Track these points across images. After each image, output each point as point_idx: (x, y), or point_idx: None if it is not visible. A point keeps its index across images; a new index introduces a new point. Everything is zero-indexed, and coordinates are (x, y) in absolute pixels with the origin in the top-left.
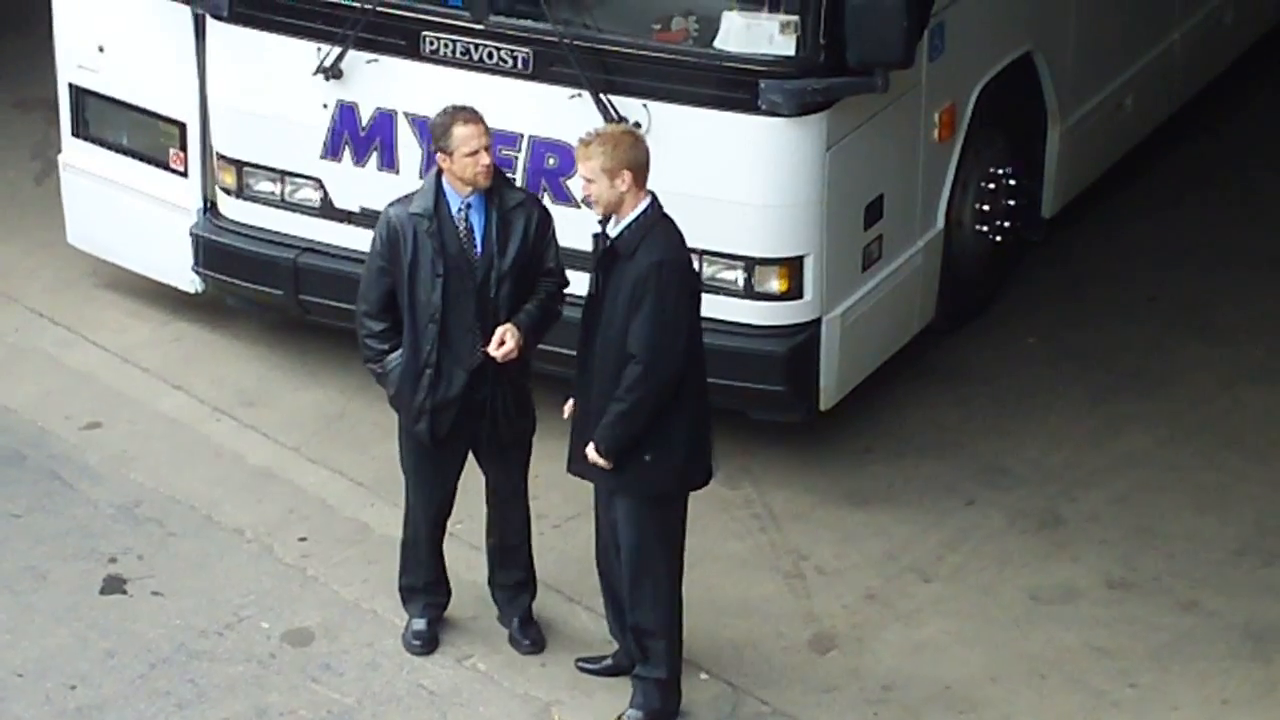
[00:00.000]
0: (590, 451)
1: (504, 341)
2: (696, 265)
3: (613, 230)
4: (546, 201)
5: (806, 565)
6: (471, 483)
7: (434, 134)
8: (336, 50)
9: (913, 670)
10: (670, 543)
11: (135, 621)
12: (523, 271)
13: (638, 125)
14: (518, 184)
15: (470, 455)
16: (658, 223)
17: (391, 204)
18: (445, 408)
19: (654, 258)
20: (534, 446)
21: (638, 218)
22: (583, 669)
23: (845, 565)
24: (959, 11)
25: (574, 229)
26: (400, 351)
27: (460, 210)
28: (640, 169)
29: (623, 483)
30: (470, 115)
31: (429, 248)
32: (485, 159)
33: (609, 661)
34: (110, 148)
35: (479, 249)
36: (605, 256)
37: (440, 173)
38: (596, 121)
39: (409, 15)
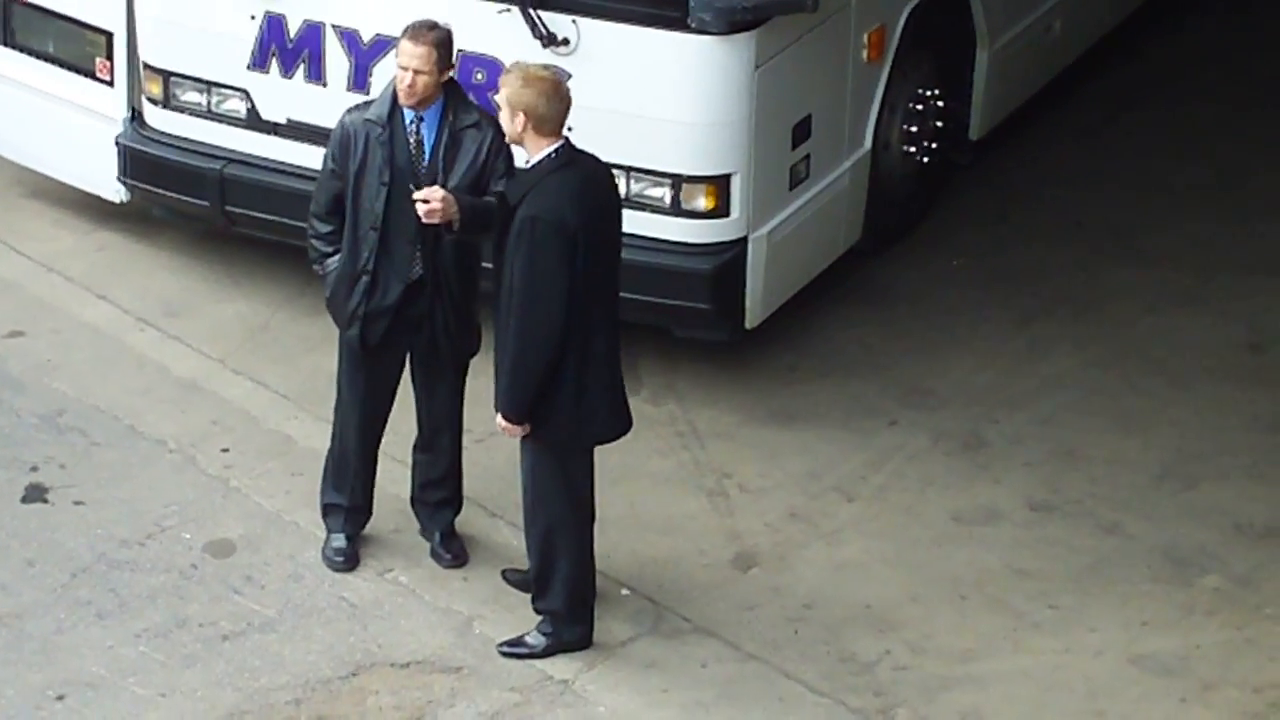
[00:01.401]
0: (498, 420)
1: (428, 200)
2: (623, 183)
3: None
4: None
5: (729, 483)
6: (402, 396)
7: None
8: None
9: (834, 589)
10: (568, 495)
11: (56, 531)
12: (469, 191)
13: (565, 41)
14: None
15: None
16: (552, 174)
17: (349, 109)
18: (378, 316)
19: (529, 212)
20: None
21: (533, 165)
22: (507, 580)
23: (768, 484)
24: None
25: None
26: (340, 255)
27: (413, 122)
28: (540, 118)
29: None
30: (415, 32)
31: (379, 155)
32: (406, 80)
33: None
34: (36, 56)
35: (425, 163)
36: (500, 201)
37: None
38: (525, 36)
39: None
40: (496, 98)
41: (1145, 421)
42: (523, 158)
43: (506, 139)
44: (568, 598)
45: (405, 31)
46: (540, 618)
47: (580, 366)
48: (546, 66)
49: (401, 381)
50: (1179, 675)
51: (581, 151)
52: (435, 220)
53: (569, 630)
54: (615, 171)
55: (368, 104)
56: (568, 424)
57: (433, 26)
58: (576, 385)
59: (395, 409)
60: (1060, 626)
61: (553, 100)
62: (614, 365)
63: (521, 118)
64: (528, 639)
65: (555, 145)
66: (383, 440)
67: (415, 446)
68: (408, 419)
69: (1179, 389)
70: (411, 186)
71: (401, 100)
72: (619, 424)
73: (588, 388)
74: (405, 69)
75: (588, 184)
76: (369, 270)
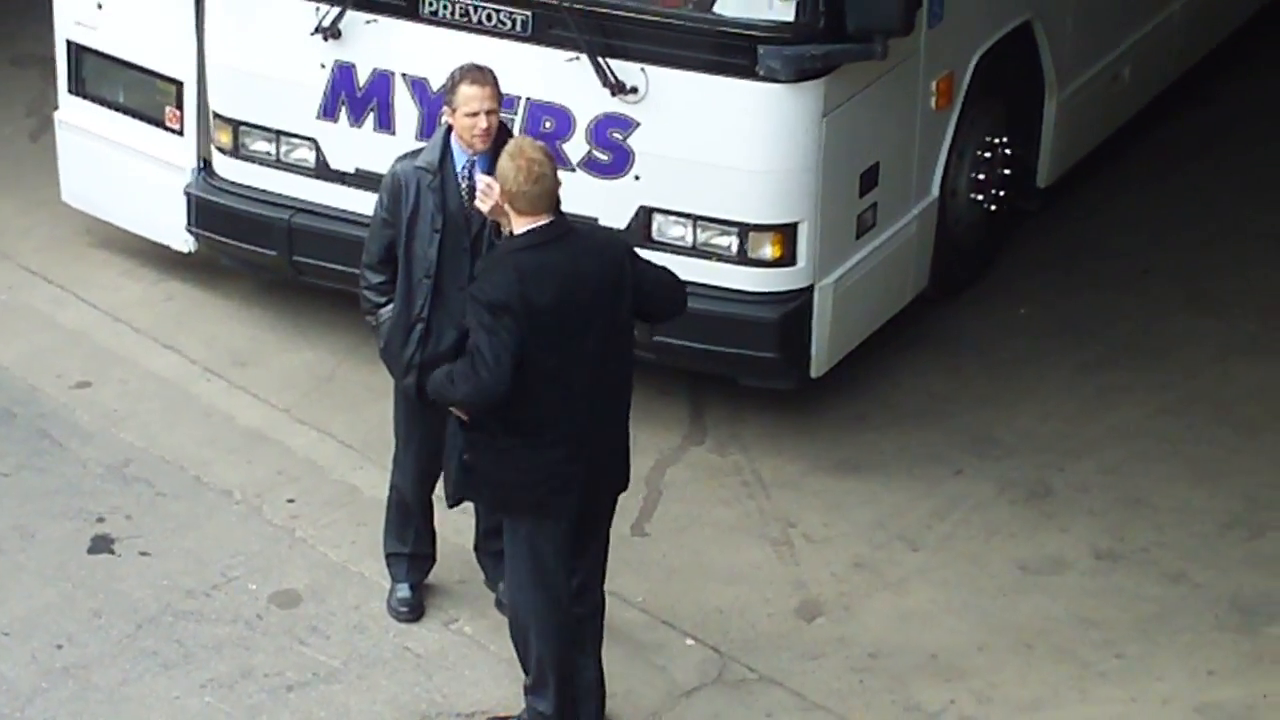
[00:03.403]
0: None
1: (490, 187)
2: (689, 231)
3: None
4: None
5: (795, 532)
6: None
7: (445, 86)
8: (335, 10)
9: (899, 638)
10: (533, 575)
11: (122, 581)
12: None
13: (634, 90)
14: None
15: None
16: (520, 251)
17: (399, 158)
18: (433, 364)
19: (475, 289)
20: None
21: (507, 240)
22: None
23: (834, 533)
24: None
25: (570, 192)
26: (394, 304)
27: (464, 168)
28: (512, 195)
29: (448, 478)
30: (480, 76)
31: (430, 202)
32: (483, 123)
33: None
34: (107, 105)
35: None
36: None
37: (450, 128)
38: (593, 84)
39: None
40: None
41: (1212, 470)
42: (572, 186)
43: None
44: (558, 704)
45: (463, 79)
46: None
47: (530, 446)
48: (541, 147)
49: None
50: None
51: (579, 231)
52: (486, 207)
53: None
54: (681, 220)
55: (417, 152)
56: (504, 488)
57: (483, 68)
58: (529, 463)
59: None
60: (1126, 676)
61: (523, 180)
62: (566, 460)
63: (498, 191)
64: None
65: (536, 224)
66: None
67: None
68: None
69: (1246, 437)
70: (478, 173)
71: (479, 146)
72: (547, 510)
73: (540, 466)
74: (477, 113)
75: (561, 267)
76: (423, 318)
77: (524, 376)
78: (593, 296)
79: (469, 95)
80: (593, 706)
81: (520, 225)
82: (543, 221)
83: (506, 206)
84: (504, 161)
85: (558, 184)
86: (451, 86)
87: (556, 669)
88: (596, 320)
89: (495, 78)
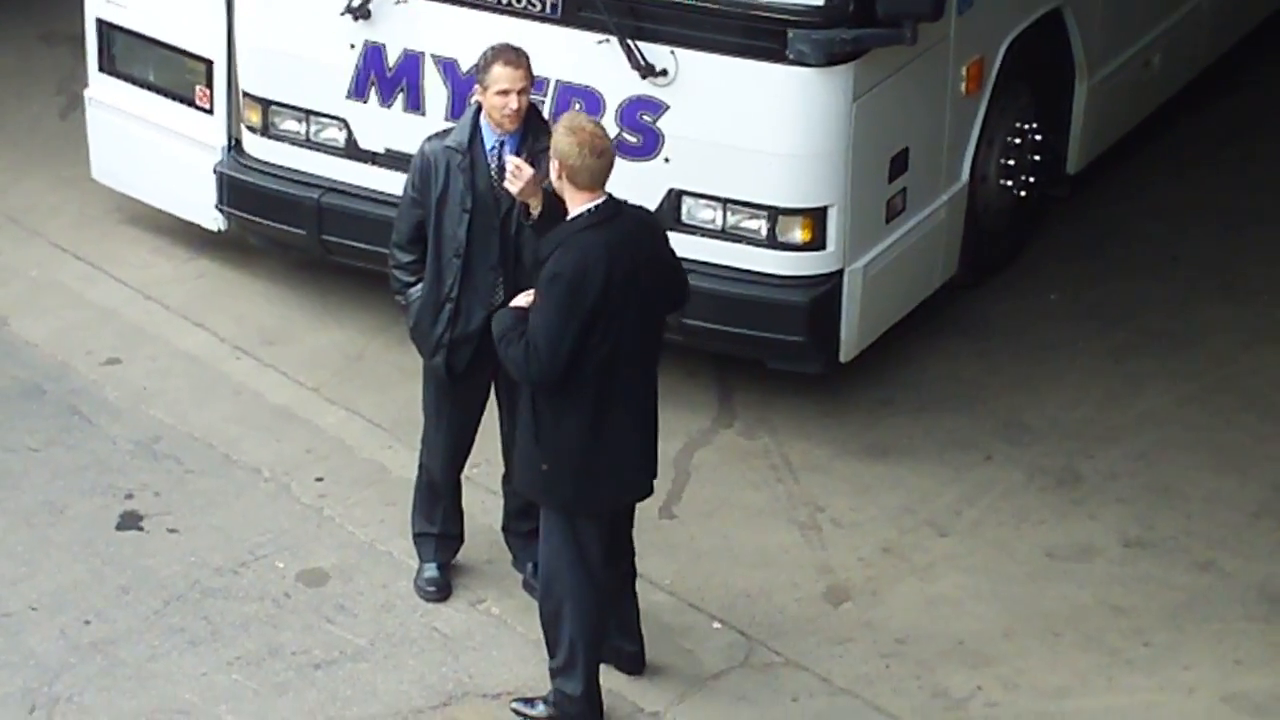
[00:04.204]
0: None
1: (520, 169)
2: (718, 214)
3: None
4: None
5: (822, 517)
6: (489, 425)
7: (477, 66)
8: None
9: (927, 624)
10: (579, 565)
11: (151, 558)
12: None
13: (664, 72)
14: None
15: (493, 399)
16: (582, 232)
17: (429, 138)
18: (463, 343)
19: (554, 268)
20: None
21: (568, 222)
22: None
23: (862, 518)
24: None
25: None
26: (423, 284)
27: (494, 148)
28: (573, 170)
29: (530, 489)
30: (513, 57)
31: (460, 182)
32: (514, 104)
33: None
34: (136, 83)
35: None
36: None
37: (480, 109)
38: (623, 67)
39: None
40: None
41: (1242, 458)
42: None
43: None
44: (586, 686)
45: (495, 59)
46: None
47: (589, 433)
48: (596, 121)
49: (488, 408)
50: (1273, 714)
51: (627, 209)
52: (515, 188)
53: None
54: (711, 203)
55: (446, 132)
56: (574, 483)
57: (517, 48)
58: (583, 452)
59: (488, 438)
60: (1154, 664)
61: (587, 154)
62: (641, 432)
63: (558, 166)
64: (539, 706)
65: (594, 201)
66: (476, 469)
67: (504, 477)
68: (499, 447)
69: (1275, 425)
70: (508, 154)
71: (508, 126)
72: (631, 490)
73: (598, 455)
74: (508, 92)
75: (620, 247)
76: (453, 298)
77: (584, 361)
78: (645, 275)
79: (502, 75)
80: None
81: (579, 202)
82: (600, 199)
83: (565, 183)
84: (562, 138)
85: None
86: (484, 66)
87: (587, 650)
88: (647, 299)
89: (528, 59)
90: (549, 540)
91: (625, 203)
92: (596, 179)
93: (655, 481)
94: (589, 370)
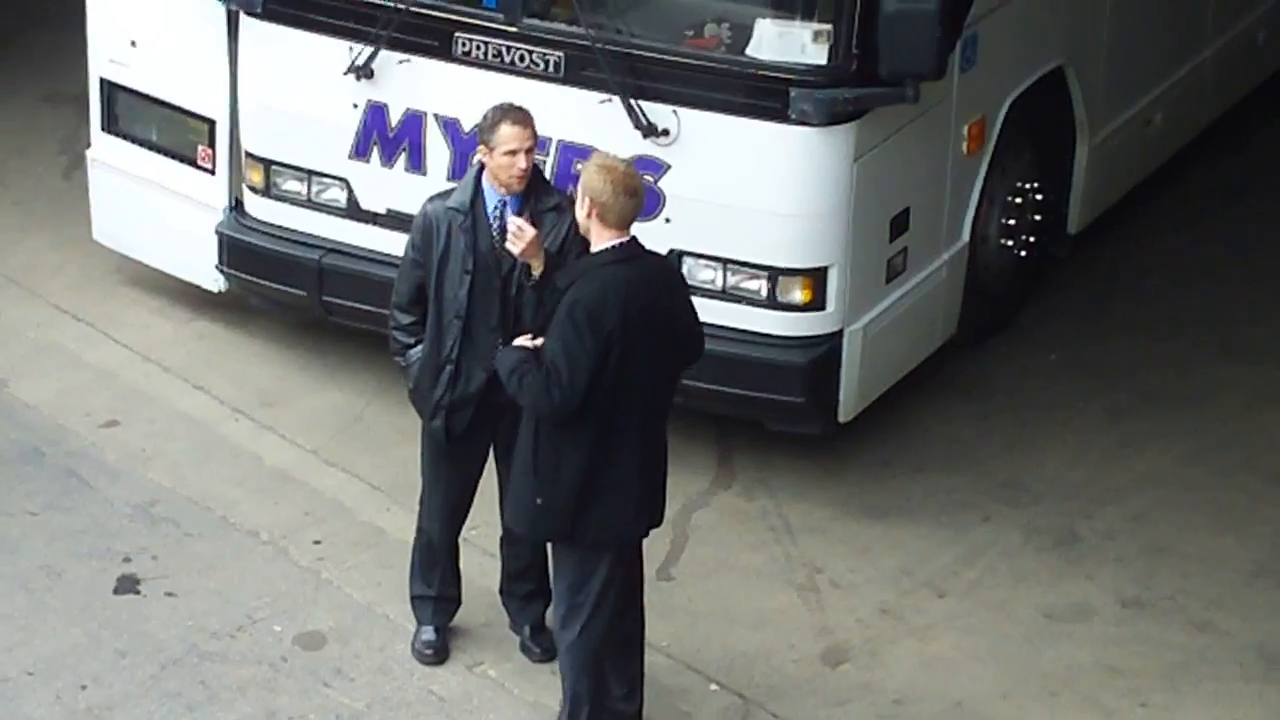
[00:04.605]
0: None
1: (522, 230)
2: (719, 274)
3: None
4: None
5: (821, 578)
6: (487, 487)
7: (481, 126)
8: (368, 50)
9: (925, 685)
10: (589, 600)
11: (148, 622)
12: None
13: (666, 132)
14: None
15: (492, 460)
16: (605, 266)
17: (430, 198)
18: (462, 405)
19: (574, 296)
20: None
21: (591, 256)
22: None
23: (860, 579)
24: (991, 24)
25: None
26: (424, 345)
27: (496, 208)
28: (604, 207)
29: (519, 522)
30: (520, 117)
31: (461, 243)
32: (522, 163)
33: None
34: (139, 143)
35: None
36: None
37: (481, 169)
38: (625, 127)
39: (442, 16)
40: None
41: (1240, 518)
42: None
43: (579, 227)
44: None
45: (502, 119)
46: None
47: (588, 469)
48: (628, 161)
49: (486, 471)
50: None
51: (648, 254)
52: (517, 249)
53: None
54: (711, 264)
55: (448, 192)
56: (568, 517)
57: (521, 108)
58: (579, 488)
59: (486, 500)
60: None
61: (620, 193)
62: (640, 475)
63: (588, 204)
64: None
65: (619, 240)
66: (473, 532)
67: (501, 539)
68: (498, 510)
69: (1273, 485)
70: (510, 214)
71: (515, 187)
72: (625, 530)
73: (593, 492)
74: (516, 152)
75: (640, 285)
76: (453, 359)
77: (593, 394)
78: (661, 319)
79: (509, 135)
80: None
81: (604, 239)
82: (625, 239)
83: (593, 221)
84: (594, 176)
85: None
86: (490, 126)
87: (591, 699)
88: (660, 342)
89: (532, 118)
90: (556, 578)
91: (646, 249)
92: (625, 219)
93: (652, 543)
94: (596, 403)
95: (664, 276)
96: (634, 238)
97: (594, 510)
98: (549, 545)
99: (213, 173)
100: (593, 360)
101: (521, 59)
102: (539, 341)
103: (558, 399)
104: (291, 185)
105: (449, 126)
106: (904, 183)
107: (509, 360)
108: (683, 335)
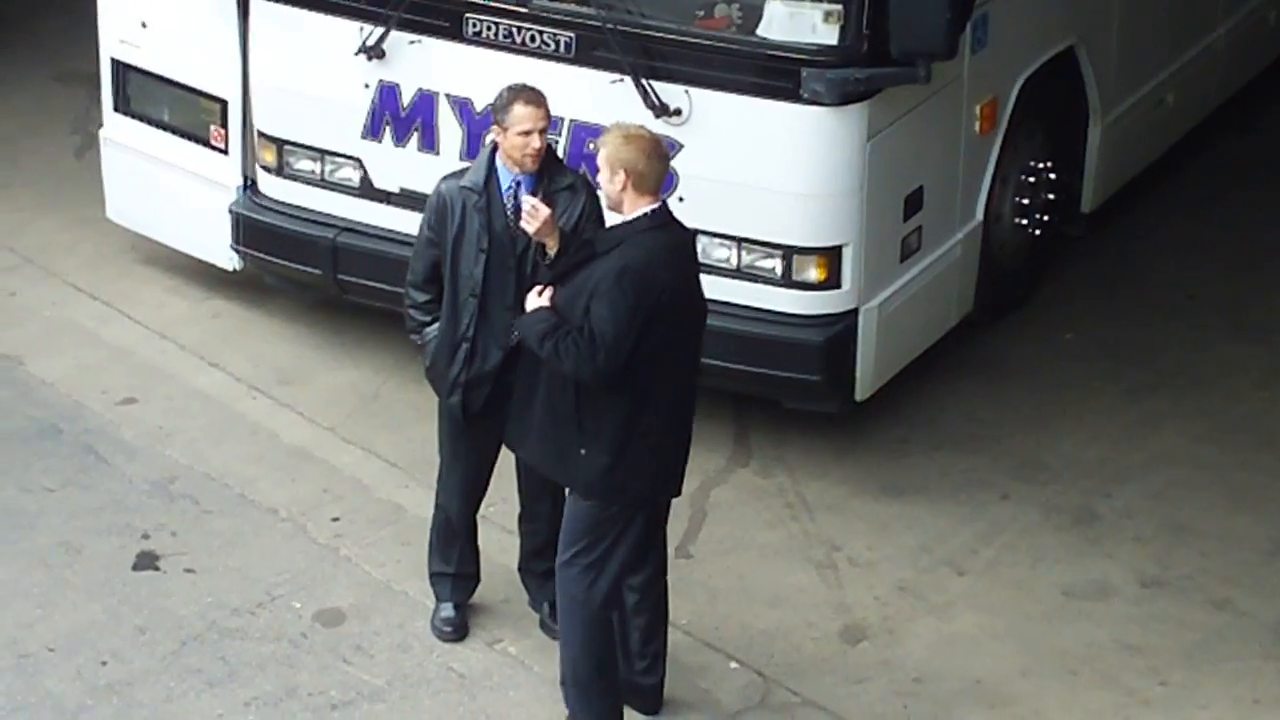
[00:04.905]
0: (531, 298)
1: (536, 210)
2: (733, 253)
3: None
4: None
5: (839, 556)
6: (505, 465)
7: (495, 106)
8: (379, 30)
9: (943, 663)
10: (599, 552)
11: (167, 598)
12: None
13: (678, 112)
14: None
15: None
16: (647, 232)
17: (444, 177)
18: (479, 383)
19: (621, 261)
20: None
21: (630, 220)
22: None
23: (878, 557)
24: (1002, 4)
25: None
26: (440, 323)
27: (510, 188)
28: (638, 175)
29: (557, 465)
30: (533, 97)
31: (476, 222)
32: (536, 143)
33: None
34: (151, 123)
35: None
36: (583, 248)
37: (495, 148)
38: (638, 107)
39: None
40: (598, 158)
41: (1256, 497)
42: (614, 220)
43: (606, 201)
44: (576, 676)
45: (515, 99)
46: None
47: (629, 426)
48: (642, 127)
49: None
50: None
51: (677, 220)
52: (532, 227)
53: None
54: (726, 243)
55: (461, 172)
56: (606, 471)
57: (535, 88)
58: (622, 443)
59: (504, 478)
60: (1171, 703)
61: (652, 159)
62: (675, 438)
63: (622, 176)
64: None
65: (653, 205)
66: (493, 509)
67: (519, 516)
68: (515, 486)
69: None
70: (524, 193)
71: (529, 166)
72: (660, 490)
73: (635, 450)
74: (530, 132)
75: (678, 251)
76: (469, 337)
77: (634, 357)
78: (689, 288)
79: (523, 114)
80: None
81: (639, 206)
82: (657, 204)
83: (628, 191)
84: (622, 148)
85: None
86: (503, 106)
87: (595, 654)
88: (693, 305)
89: (546, 98)
90: (570, 528)
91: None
92: (658, 183)
93: (671, 521)
94: (637, 365)
95: (692, 244)
96: (664, 202)
97: (630, 468)
98: (568, 495)
99: (225, 152)
100: (638, 325)
101: (532, 39)
102: (549, 293)
103: (603, 363)
104: (305, 164)
105: (461, 106)
106: (917, 162)
107: (537, 326)
108: (701, 303)
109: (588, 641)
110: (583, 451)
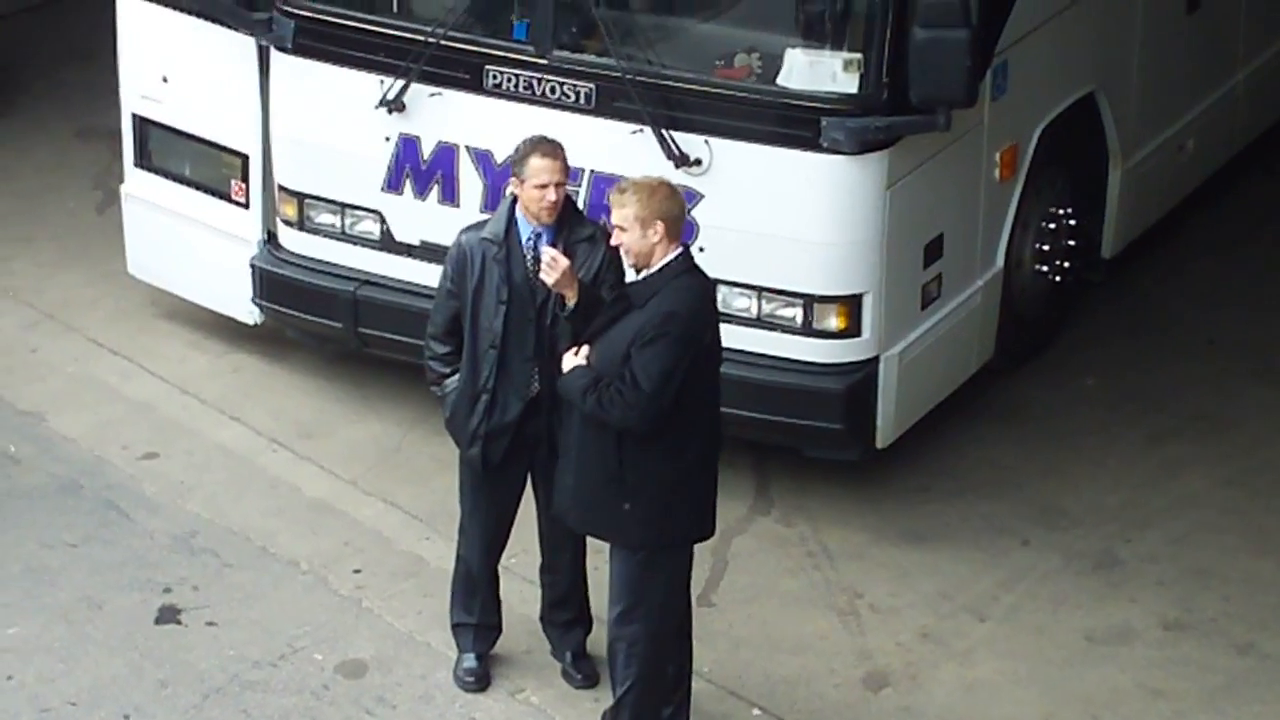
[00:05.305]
0: (567, 359)
1: (555, 261)
2: (754, 303)
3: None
4: None
5: (861, 603)
6: (527, 515)
7: (513, 158)
8: (400, 83)
9: (966, 710)
10: (656, 600)
11: (189, 652)
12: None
13: (698, 162)
14: None
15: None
16: (681, 275)
17: (464, 229)
18: (499, 434)
19: (668, 307)
20: None
21: (661, 268)
22: None
23: (900, 603)
24: (1022, 51)
25: None
26: (460, 375)
27: (530, 239)
28: (674, 221)
29: (602, 527)
30: (550, 149)
31: (495, 274)
32: (552, 195)
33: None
34: (172, 178)
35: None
36: (616, 303)
37: (515, 200)
38: (658, 157)
39: (473, 49)
40: (617, 220)
41: (1279, 541)
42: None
43: (630, 260)
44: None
45: (532, 151)
46: None
47: (672, 469)
48: (648, 175)
49: (524, 498)
50: None
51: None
52: (551, 279)
53: None
54: (746, 292)
55: (482, 224)
56: (658, 523)
57: (553, 140)
58: (667, 487)
59: (525, 528)
60: None
61: (678, 200)
62: (706, 474)
63: (659, 226)
64: None
65: (679, 250)
66: (514, 559)
67: (541, 567)
68: (536, 537)
69: None
70: (544, 245)
71: (545, 219)
72: (702, 528)
73: (678, 491)
74: (546, 185)
75: (708, 293)
76: (489, 389)
77: (678, 399)
78: (716, 324)
79: (539, 167)
80: None
81: (667, 252)
82: (680, 249)
83: (661, 241)
84: (648, 199)
85: None
86: (520, 158)
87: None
88: (717, 347)
89: (564, 150)
90: (622, 583)
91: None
92: (682, 227)
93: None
94: (680, 408)
95: (711, 283)
96: (686, 245)
97: (674, 511)
98: (611, 553)
99: (246, 206)
100: (684, 367)
101: (552, 90)
102: (585, 351)
103: (651, 412)
104: (325, 218)
105: (481, 158)
106: (937, 209)
107: (578, 382)
108: (720, 344)
109: (649, 672)
110: (627, 506)
